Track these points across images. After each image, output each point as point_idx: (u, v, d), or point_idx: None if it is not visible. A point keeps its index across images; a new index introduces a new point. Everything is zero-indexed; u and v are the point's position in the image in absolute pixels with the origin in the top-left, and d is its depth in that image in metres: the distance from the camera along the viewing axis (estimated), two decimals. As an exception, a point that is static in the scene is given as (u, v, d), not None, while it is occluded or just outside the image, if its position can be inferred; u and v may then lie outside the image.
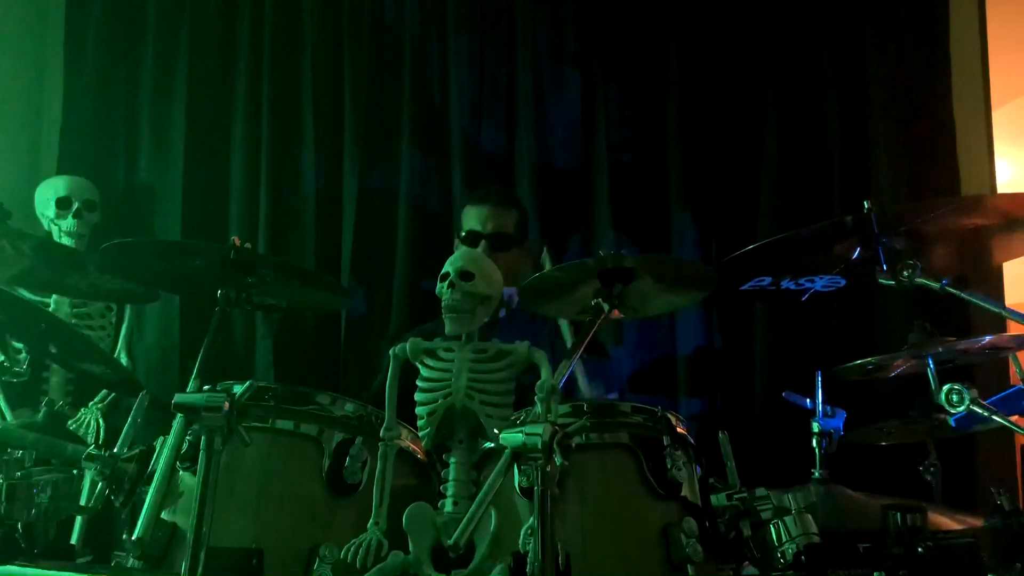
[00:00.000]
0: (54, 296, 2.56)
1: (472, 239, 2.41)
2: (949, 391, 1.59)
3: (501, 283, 1.63)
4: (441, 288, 1.58)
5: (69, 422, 2.47)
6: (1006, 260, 2.22)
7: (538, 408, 1.33)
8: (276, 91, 3.06)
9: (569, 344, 2.27)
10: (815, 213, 2.72)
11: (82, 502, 1.56)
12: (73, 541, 1.70)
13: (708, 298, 1.84)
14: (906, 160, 2.83)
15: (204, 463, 1.32)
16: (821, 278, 1.84)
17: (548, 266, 2.54)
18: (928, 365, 1.72)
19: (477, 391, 1.52)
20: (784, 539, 1.53)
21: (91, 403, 2.59)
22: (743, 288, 1.88)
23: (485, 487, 1.26)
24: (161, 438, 1.56)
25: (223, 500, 1.40)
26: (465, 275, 1.57)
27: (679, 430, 1.68)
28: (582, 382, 2.27)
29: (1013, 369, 1.91)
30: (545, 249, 2.59)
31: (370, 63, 3.06)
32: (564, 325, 2.36)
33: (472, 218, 2.46)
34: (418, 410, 1.54)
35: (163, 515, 1.50)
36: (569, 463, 1.23)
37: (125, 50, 3.15)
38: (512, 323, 2.42)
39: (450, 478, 1.52)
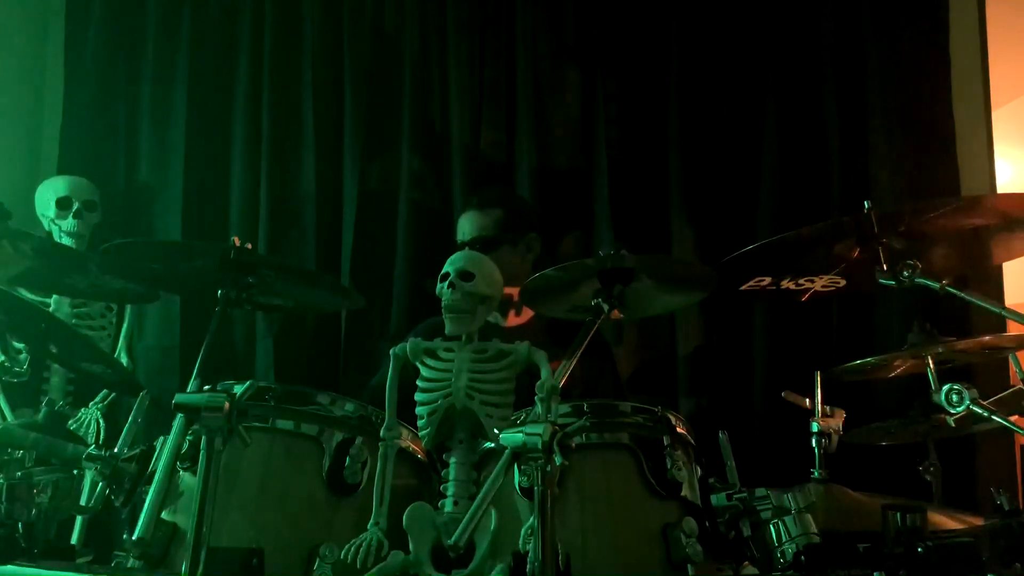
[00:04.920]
0: (54, 296, 2.56)
1: (460, 249, 2.42)
2: (949, 391, 1.59)
3: (502, 283, 1.64)
4: (441, 288, 1.58)
5: (69, 422, 2.47)
6: (1006, 260, 2.21)
7: (538, 408, 1.33)
8: (276, 91, 3.06)
9: None
10: (815, 213, 2.72)
11: (82, 502, 1.56)
12: (73, 541, 1.70)
13: (708, 298, 1.84)
14: (906, 160, 2.83)
15: (204, 463, 1.32)
16: (821, 278, 1.84)
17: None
18: (928, 365, 1.72)
19: (477, 391, 1.52)
20: (784, 539, 1.53)
21: (91, 403, 2.59)
22: (743, 288, 1.88)
23: (485, 487, 1.26)
24: (161, 438, 1.56)
25: (223, 500, 1.40)
26: (465, 275, 1.58)
27: (679, 430, 1.68)
28: None
29: (1013, 369, 1.91)
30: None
31: (370, 63, 3.06)
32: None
33: (459, 228, 2.51)
34: (418, 410, 1.55)
35: (163, 515, 1.50)
36: (569, 463, 1.23)
37: (126, 50, 3.16)
38: None
39: (450, 478, 1.52)
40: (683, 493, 1.59)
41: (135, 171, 3.12)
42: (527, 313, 2.49)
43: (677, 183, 2.90)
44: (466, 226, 2.49)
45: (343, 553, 1.45)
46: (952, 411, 1.58)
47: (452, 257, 1.63)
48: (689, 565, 1.51)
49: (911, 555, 1.43)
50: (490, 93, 3.02)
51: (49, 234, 2.71)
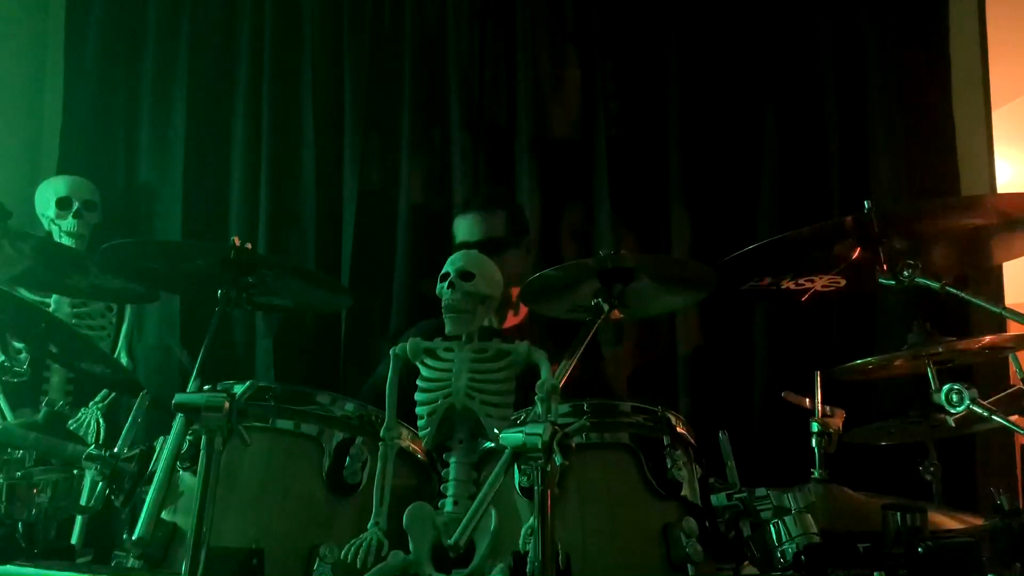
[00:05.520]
0: (54, 296, 2.56)
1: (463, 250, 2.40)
2: (949, 391, 1.59)
3: (502, 283, 1.64)
4: (441, 288, 1.58)
5: (69, 422, 2.47)
6: (1006, 260, 2.22)
7: (538, 408, 1.33)
8: (276, 91, 3.05)
9: None
10: (815, 213, 2.72)
11: (82, 502, 1.56)
12: (73, 541, 1.70)
13: (708, 298, 1.84)
14: (906, 160, 2.83)
15: (204, 463, 1.32)
16: (821, 278, 1.84)
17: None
18: (928, 365, 1.72)
19: (477, 391, 1.52)
20: (784, 539, 1.53)
21: (91, 403, 2.59)
22: (743, 288, 1.88)
23: (485, 487, 1.26)
24: (161, 438, 1.56)
25: (223, 500, 1.40)
26: (465, 275, 1.58)
27: (679, 430, 1.68)
28: None
29: (1013, 369, 1.91)
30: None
31: (370, 62, 3.06)
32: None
33: (461, 229, 2.47)
34: (418, 410, 1.55)
35: (163, 515, 1.50)
36: (569, 463, 1.23)
37: (125, 50, 3.15)
38: None
39: (450, 478, 1.52)
40: (683, 493, 1.59)
41: (135, 171, 3.11)
42: (523, 312, 2.49)
43: (677, 182, 2.90)
44: (472, 227, 2.45)
45: (343, 553, 1.45)
46: (952, 411, 1.58)
47: (452, 257, 1.63)
48: (689, 565, 1.51)
49: (911, 555, 1.43)
50: (490, 92, 3.02)
51: (49, 234, 2.71)
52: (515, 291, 2.25)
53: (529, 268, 2.51)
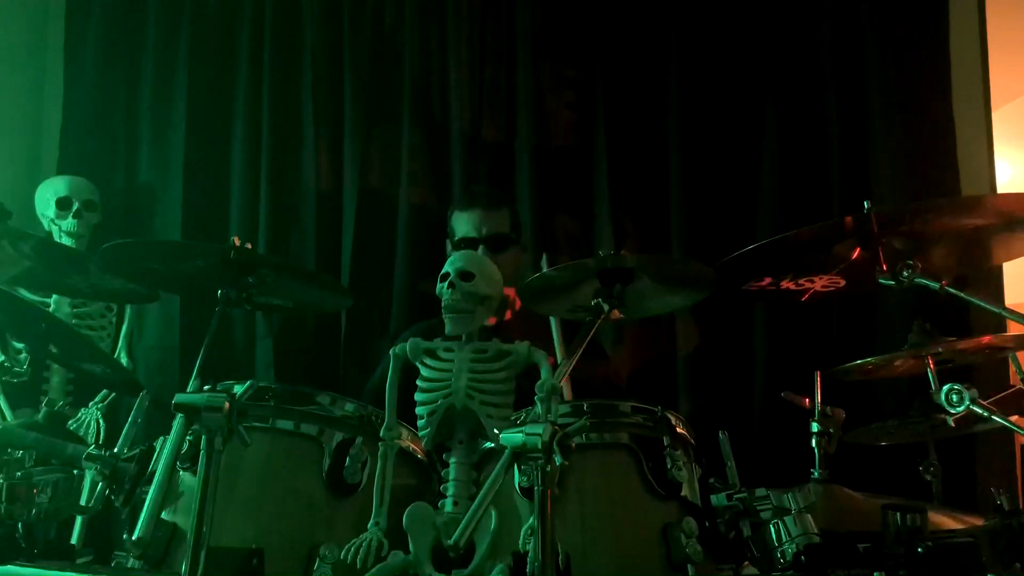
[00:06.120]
0: (54, 296, 2.57)
1: (468, 245, 2.37)
2: (949, 391, 1.59)
3: (501, 283, 1.64)
4: (441, 288, 1.58)
5: (69, 422, 2.47)
6: (1006, 260, 2.21)
7: (538, 408, 1.33)
8: (276, 91, 3.06)
9: (558, 344, 2.23)
10: (815, 213, 2.72)
11: (82, 502, 1.56)
12: (73, 541, 1.70)
13: (708, 298, 1.84)
14: (906, 160, 2.83)
15: (204, 463, 1.32)
16: (821, 278, 1.84)
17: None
18: (928, 365, 1.72)
19: (477, 391, 1.52)
20: (784, 539, 1.53)
21: (91, 403, 2.59)
22: (743, 288, 1.88)
23: (485, 487, 1.26)
24: (161, 438, 1.56)
25: (223, 500, 1.40)
26: (465, 275, 1.58)
27: (679, 430, 1.68)
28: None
29: (1013, 369, 1.91)
30: (544, 256, 2.55)
31: (370, 63, 3.06)
32: (553, 323, 2.27)
33: (464, 223, 2.42)
34: (418, 410, 1.55)
35: (163, 515, 1.50)
36: (569, 463, 1.23)
37: (125, 50, 3.15)
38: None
39: (450, 478, 1.52)
40: (683, 493, 1.59)
41: (135, 171, 3.11)
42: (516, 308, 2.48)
43: (677, 182, 2.90)
44: (477, 223, 2.40)
45: (343, 553, 1.45)
46: (952, 411, 1.58)
47: (452, 257, 1.64)
48: (689, 565, 1.51)
49: (911, 555, 1.43)
50: (490, 94, 3.02)
51: (49, 234, 2.71)
52: (510, 291, 2.25)
53: (528, 269, 2.51)
